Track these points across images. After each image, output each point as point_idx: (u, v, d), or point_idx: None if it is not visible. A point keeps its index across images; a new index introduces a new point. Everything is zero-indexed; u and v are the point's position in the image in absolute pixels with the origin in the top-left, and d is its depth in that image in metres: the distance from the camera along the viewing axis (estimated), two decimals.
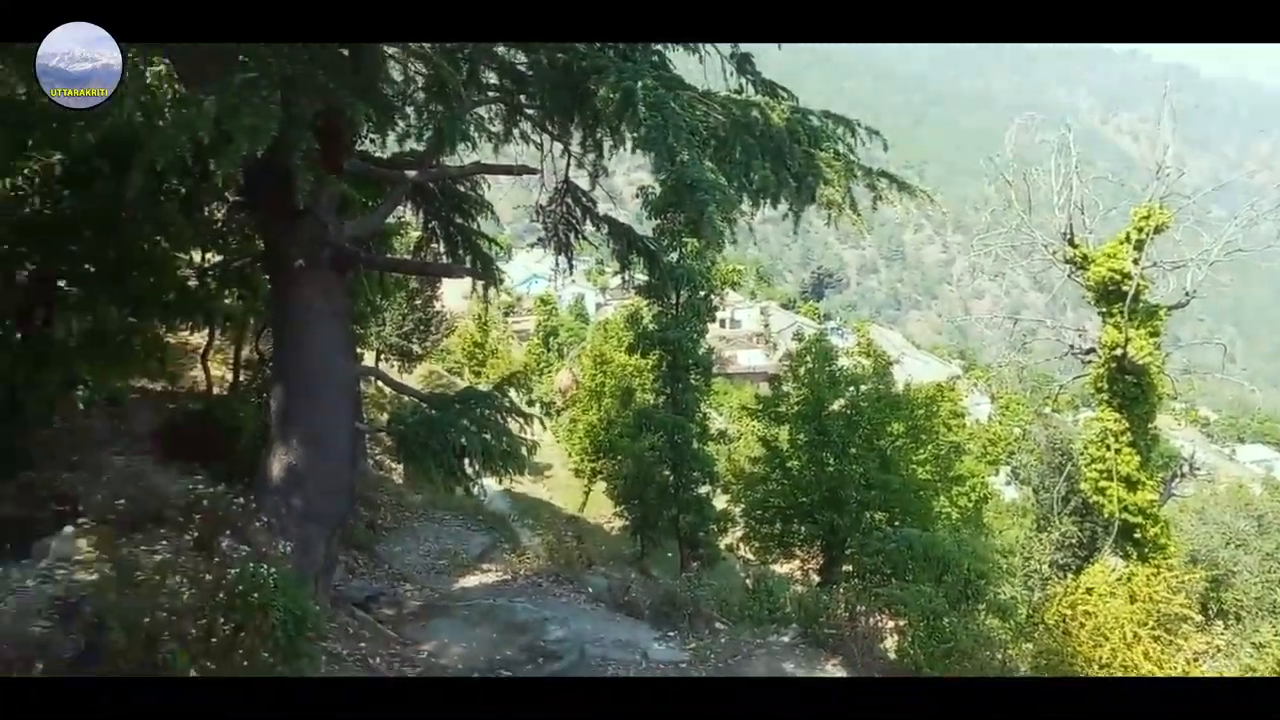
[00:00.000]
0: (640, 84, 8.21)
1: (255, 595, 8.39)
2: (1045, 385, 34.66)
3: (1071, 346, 21.83)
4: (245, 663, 7.91)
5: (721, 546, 28.84)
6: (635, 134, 8.22)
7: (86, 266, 12.90)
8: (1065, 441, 31.55)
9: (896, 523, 24.26)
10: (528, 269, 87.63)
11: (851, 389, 27.18)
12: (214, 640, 7.92)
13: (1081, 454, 22.23)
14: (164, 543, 9.79)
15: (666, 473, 27.32)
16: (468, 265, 14.62)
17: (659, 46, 10.69)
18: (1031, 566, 27.53)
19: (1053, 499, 28.26)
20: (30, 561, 9.77)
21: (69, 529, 9.96)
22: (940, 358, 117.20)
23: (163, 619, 7.79)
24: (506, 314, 79.92)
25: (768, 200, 8.84)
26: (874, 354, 30.12)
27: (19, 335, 12.57)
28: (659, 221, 25.17)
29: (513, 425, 12.26)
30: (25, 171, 12.24)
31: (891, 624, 14.15)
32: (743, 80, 11.21)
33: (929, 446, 28.27)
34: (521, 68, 10.29)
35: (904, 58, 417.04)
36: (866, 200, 9.29)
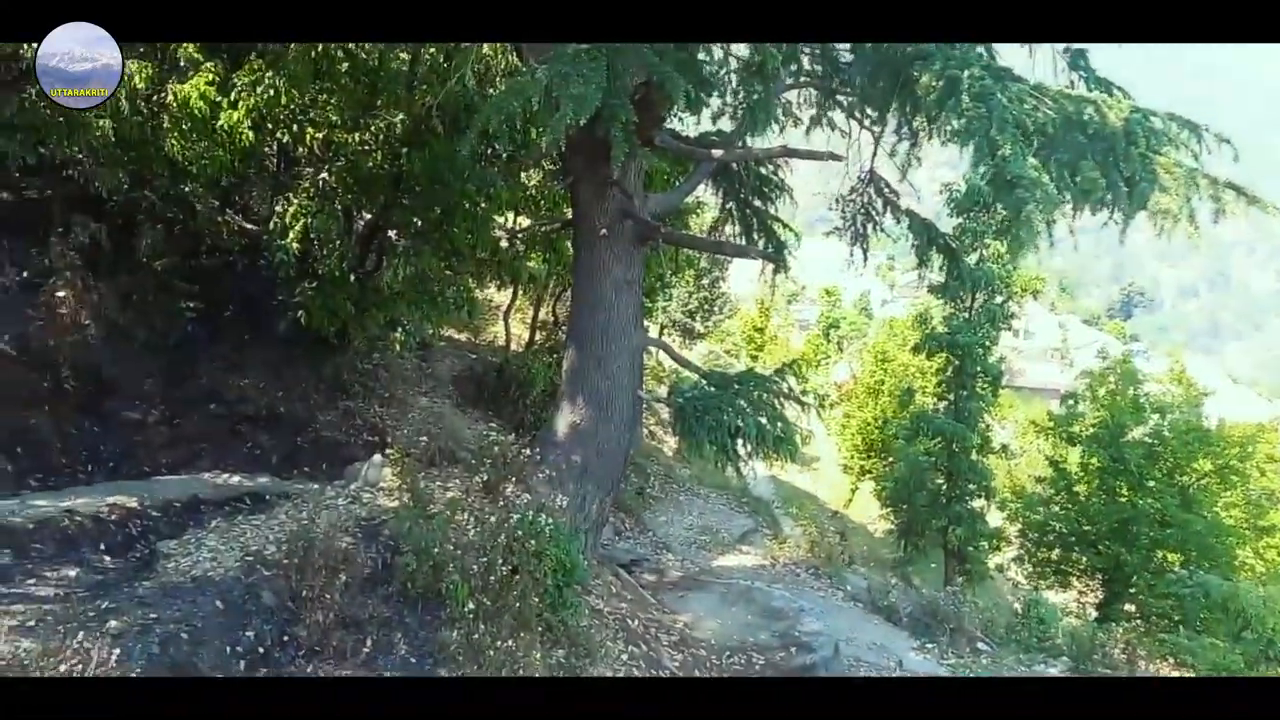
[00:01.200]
0: (966, 73, 7.86)
1: (533, 542, 8.88)
2: None
3: None
4: (518, 603, 8.40)
5: (990, 564, 27.51)
6: (957, 124, 7.88)
7: (415, 220, 14.00)
8: None
9: (1192, 567, 22.16)
10: (818, 257, 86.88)
11: (1156, 417, 24.98)
12: (492, 578, 8.45)
13: None
14: (456, 481, 10.52)
15: (940, 481, 26.36)
16: (761, 248, 14.62)
17: None
18: None
19: None
20: (343, 482, 10.82)
21: (378, 458, 10.92)
22: (1261, 395, 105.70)
23: (450, 551, 8.40)
24: (790, 301, 79.61)
25: (1094, 204, 8.23)
26: (1185, 382, 27.59)
27: (353, 278, 13.82)
28: (961, 220, 24.22)
29: (789, 412, 12.21)
30: (372, 129, 13.42)
31: (1176, 674, 13.02)
32: (1074, 76, 10.49)
33: (1239, 490, 25.54)
34: (842, 51, 10.13)
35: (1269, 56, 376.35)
36: (1206, 213, 8.45)
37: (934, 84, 8.01)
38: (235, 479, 11.71)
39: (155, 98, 12.04)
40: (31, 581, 7.67)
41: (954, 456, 25.67)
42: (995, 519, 27.95)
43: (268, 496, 10.79)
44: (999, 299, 25.88)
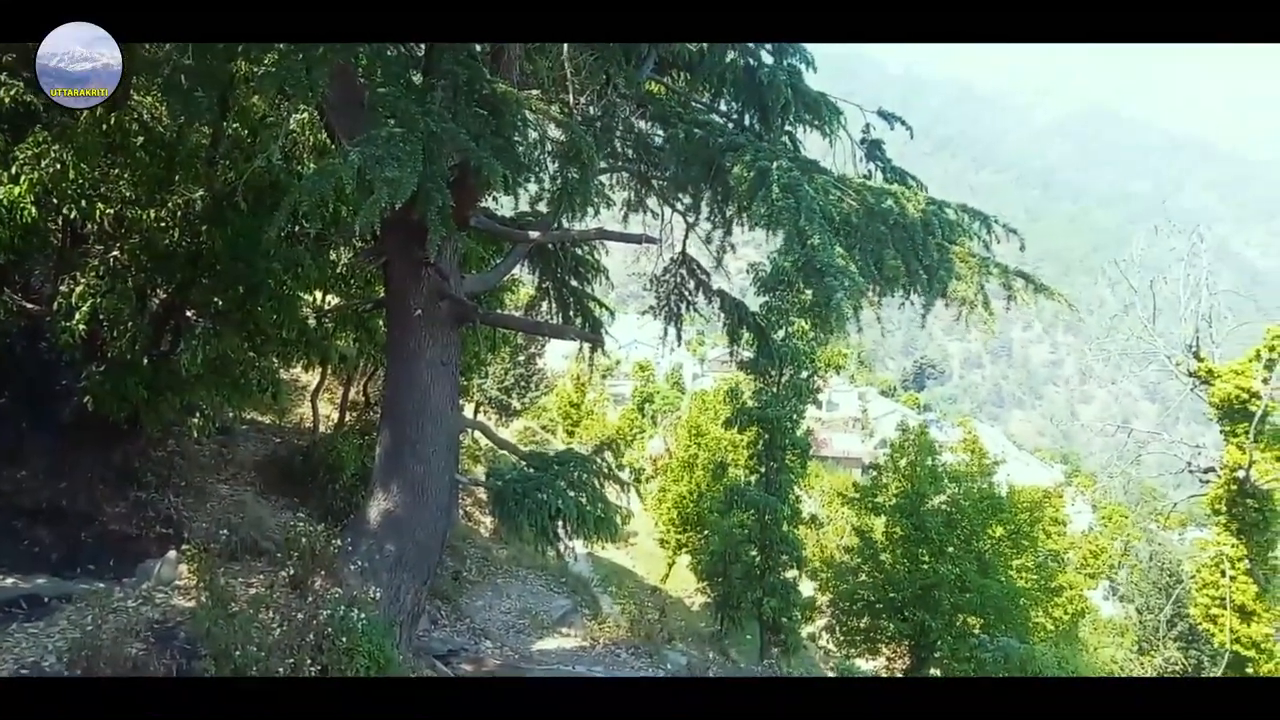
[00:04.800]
0: (776, 164, 8.23)
1: (344, 639, 8.46)
2: (1152, 499, 33.09)
3: (1189, 463, 20.88)
4: None
5: (804, 634, 28.12)
6: (766, 213, 8.20)
7: (216, 299, 13.37)
8: (1174, 562, 30.10)
9: (991, 630, 23.34)
10: (630, 334, 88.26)
11: (953, 486, 26.41)
12: None
13: (1193, 577, 21.14)
14: (260, 575, 9.97)
15: (754, 553, 26.83)
16: (578, 327, 14.73)
17: (789, 128, 10.73)
18: None
19: (1158, 621, 26.89)
20: (133, 581, 10.05)
21: (172, 554, 10.23)
22: (1042, 460, 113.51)
23: (253, 653, 7.89)
24: (604, 376, 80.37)
25: (896, 291, 8.71)
26: (978, 451, 29.32)
27: (145, 360, 13.03)
28: (767, 298, 25.14)
29: (608, 492, 12.23)
30: (169, 205, 12.80)
31: None
32: (871, 166, 11.17)
33: (1029, 553, 27.23)
34: (656, 139, 10.43)
35: (1037, 153, 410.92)
36: (999, 299, 9.07)
37: (745, 174, 8.35)
38: (9, 581, 10.69)
39: None
40: None
41: (767, 528, 26.23)
42: (807, 588, 28.68)
43: (47, 599, 9.88)
44: (805, 374, 26.88)
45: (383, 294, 12.23)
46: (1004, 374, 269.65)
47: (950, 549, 24.85)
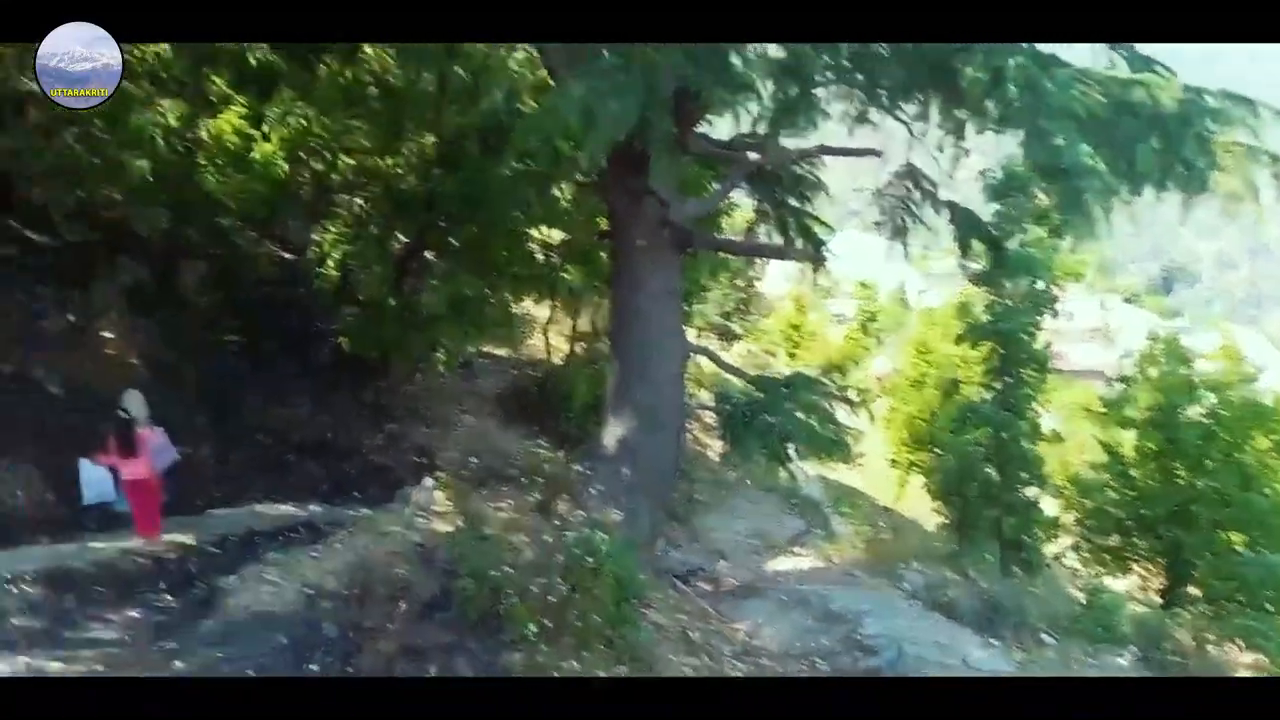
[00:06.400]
0: (1012, 61, 7.69)
1: (590, 560, 8.79)
2: None
3: None
4: (579, 623, 8.31)
5: (1048, 554, 27.07)
6: (1002, 114, 7.70)
7: (451, 240, 14.02)
8: None
9: (1256, 547, 21.66)
10: (851, 250, 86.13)
11: (1211, 396, 24.46)
12: (550, 598, 8.37)
13: None
14: (508, 501, 10.47)
15: (991, 471, 25.92)
16: (799, 247, 14.45)
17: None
18: None
19: None
20: (396, 507, 10.79)
21: (428, 481, 10.88)
22: None
23: (507, 574, 8.33)
24: (825, 296, 79.01)
25: (1149, 188, 8.02)
26: (1236, 357, 27.02)
27: (391, 301, 13.86)
28: (999, 206, 23.87)
29: (838, 413, 12.08)
30: (403, 152, 13.47)
31: (1250, 658, 12.70)
32: (1114, 57, 10.26)
33: None
34: (879, 47, 9.94)
35: None
36: (1270, 188, 8.18)
37: (979, 75, 7.84)
38: (287, 509, 11.74)
39: (189, 134, 12.13)
40: (96, 625, 7.70)
41: (1004, 445, 25.21)
42: (1049, 507, 27.52)
43: (320, 525, 10.79)
44: (1041, 285, 25.47)
45: (605, 226, 12.39)
46: (1263, 272, 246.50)
47: (1209, 463, 23.12)
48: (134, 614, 8.05)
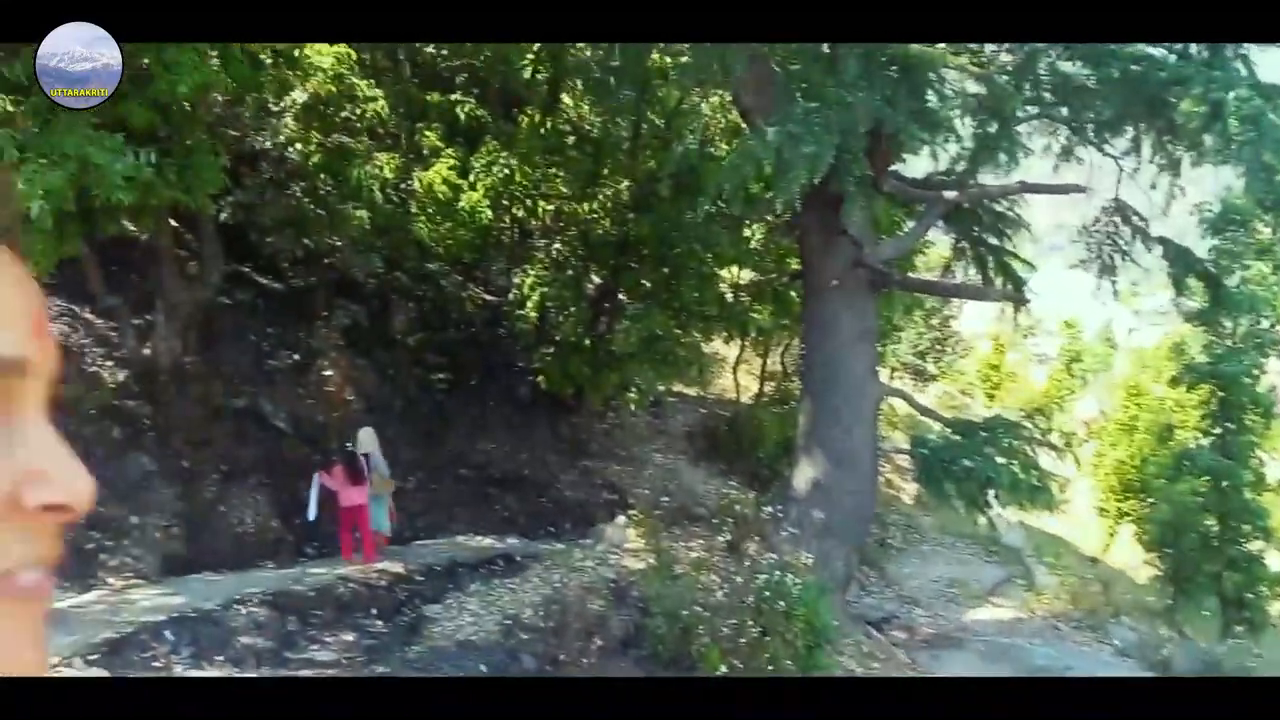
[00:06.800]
0: (1232, 94, 7.27)
1: (781, 602, 8.74)
2: None
3: None
4: (769, 666, 8.27)
5: (1273, 613, 24.93)
6: (1221, 148, 7.28)
7: (644, 281, 14.33)
8: None
9: None
10: (1053, 287, 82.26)
11: None
12: (741, 640, 8.36)
13: None
14: (700, 540, 10.55)
15: (1210, 522, 24.18)
16: (998, 287, 14.01)
17: (1244, 50, 9.45)
18: None
19: None
20: (589, 543, 11.05)
21: (621, 518, 11.11)
22: None
23: (699, 613, 8.39)
24: (1026, 335, 75.74)
25: None
26: None
27: (586, 341, 14.26)
28: (1217, 241, 22.42)
29: (1042, 459, 11.60)
30: (599, 197, 13.91)
31: None
32: None
33: None
34: (1083, 79, 9.58)
35: None
36: None
37: (1195, 109, 7.44)
38: (487, 541, 12.18)
39: (403, 185, 12.93)
40: (314, 646, 8.21)
41: (1224, 495, 23.50)
42: (1277, 562, 25.38)
43: (518, 558, 11.15)
44: (1265, 323, 23.69)
45: (796, 266, 12.37)
46: None
47: None
48: (348, 637, 8.54)
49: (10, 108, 6.10)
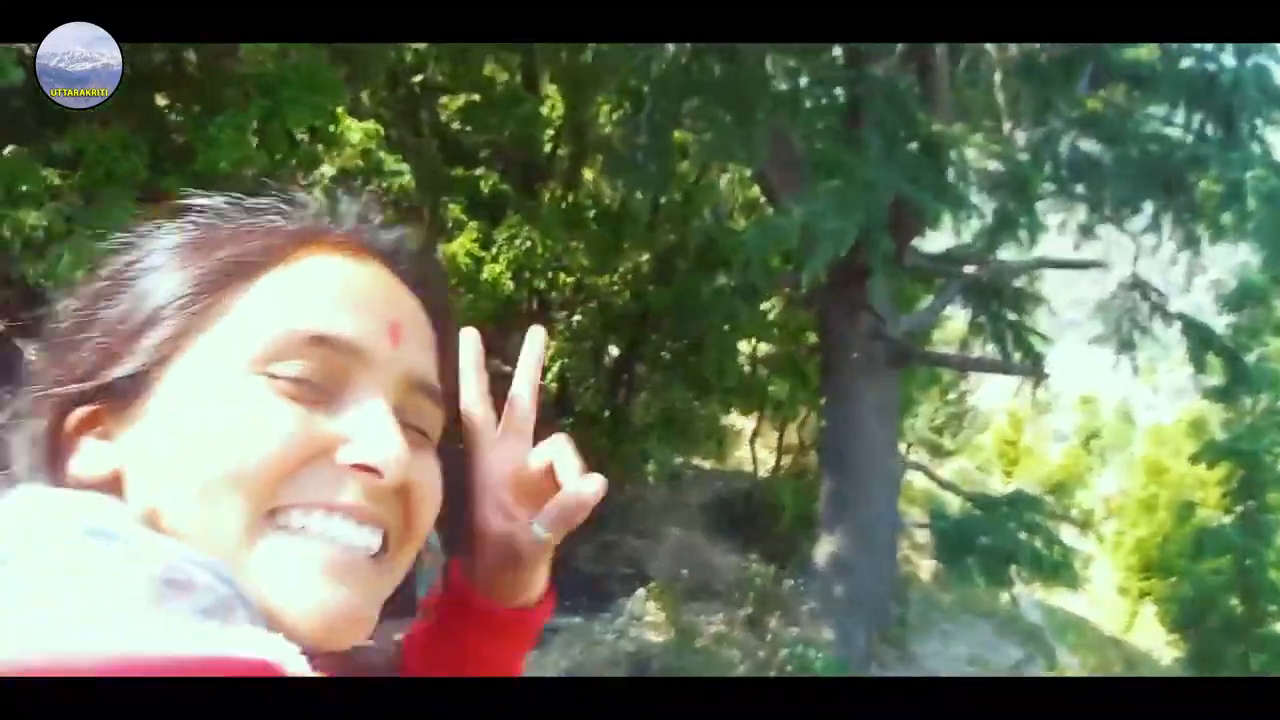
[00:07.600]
0: (1250, 174, 7.39)
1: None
2: None
3: None
4: None
5: None
6: (1238, 227, 7.39)
7: (663, 354, 14.42)
8: None
9: None
10: (1069, 362, 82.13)
11: None
12: None
13: None
14: (719, 614, 10.46)
15: (1233, 602, 23.85)
16: (1017, 361, 14.03)
17: (1258, 133, 9.60)
18: None
19: None
20: (608, 616, 10.96)
21: (640, 591, 11.03)
22: None
23: None
24: (1042, 412, 75.41)
25: None
26: None
27: (605, 412, 14.32)
28: (1235, 318, 22.47)
29: (1064, 535, 11.52)
30: (620, 269, 14.07)
31: None
32: None
33: None
34: (1098, 157, 9.74)
35: None
36: None
37: (1214, 189, 7.57)
38: None
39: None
40: None
41: (1248, 574, 23.23)
42: None
43: None
44: None
45: (814, 339, 12.44)
46: None
47: None
48: None
49: (58, 180, 6.29)
